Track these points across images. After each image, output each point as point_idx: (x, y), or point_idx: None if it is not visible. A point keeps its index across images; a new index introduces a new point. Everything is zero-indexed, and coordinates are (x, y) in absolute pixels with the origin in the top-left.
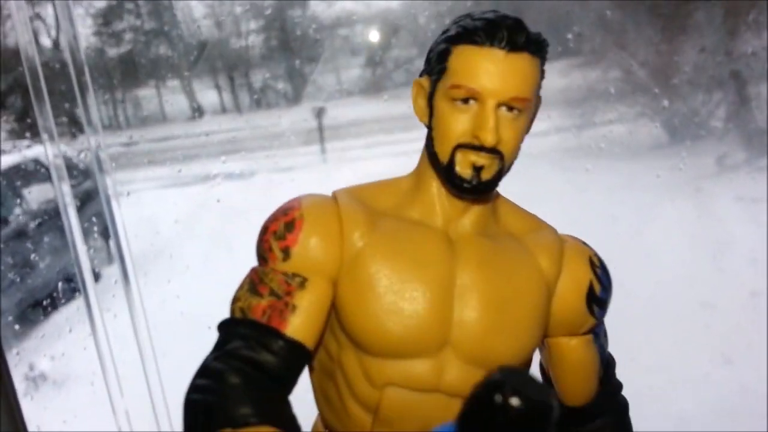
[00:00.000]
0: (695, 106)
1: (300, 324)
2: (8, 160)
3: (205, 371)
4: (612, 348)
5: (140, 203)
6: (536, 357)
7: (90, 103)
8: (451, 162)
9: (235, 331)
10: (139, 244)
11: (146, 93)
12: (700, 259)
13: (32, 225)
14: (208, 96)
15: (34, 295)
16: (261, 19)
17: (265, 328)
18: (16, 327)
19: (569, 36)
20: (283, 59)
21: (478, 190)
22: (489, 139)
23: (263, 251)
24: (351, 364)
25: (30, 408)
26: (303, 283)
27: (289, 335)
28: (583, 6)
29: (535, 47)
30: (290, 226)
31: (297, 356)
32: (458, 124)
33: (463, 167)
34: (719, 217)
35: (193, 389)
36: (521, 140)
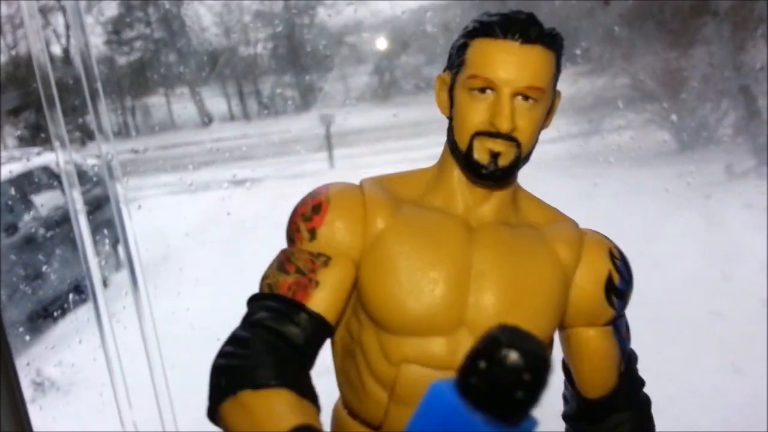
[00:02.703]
0: (704, 116)
1: (322, 299)
2: (17, 167)
3: (231, 339)
4: None
5: (151, 214)
6: (559, 353)
7: (101, 111)
8: (470, 149)
9: (262, 304)
10: (150, 255)
11: (155, 101)
12: (709, 268)
13: (41, 232)
14: (217, 104)
15: (44, 306)
16: (269, 28)
17: (290, 302)
18: (27, 338)
19: (577, 51)
20: (291, 67)
21: (496, 176)
22: (504, 126)
23: (292, 232)
24: (370, 343)
25: (38, 417)
26: (327, 262)
27: (312, 308)
28: (591, 22)
29: (549, 40)
30: (317, 208)
31: (318, 329)
32: (476, 112)
33: (480, 154)
34: (728, 225)
35: (220, 355)
36: (537, 129)
